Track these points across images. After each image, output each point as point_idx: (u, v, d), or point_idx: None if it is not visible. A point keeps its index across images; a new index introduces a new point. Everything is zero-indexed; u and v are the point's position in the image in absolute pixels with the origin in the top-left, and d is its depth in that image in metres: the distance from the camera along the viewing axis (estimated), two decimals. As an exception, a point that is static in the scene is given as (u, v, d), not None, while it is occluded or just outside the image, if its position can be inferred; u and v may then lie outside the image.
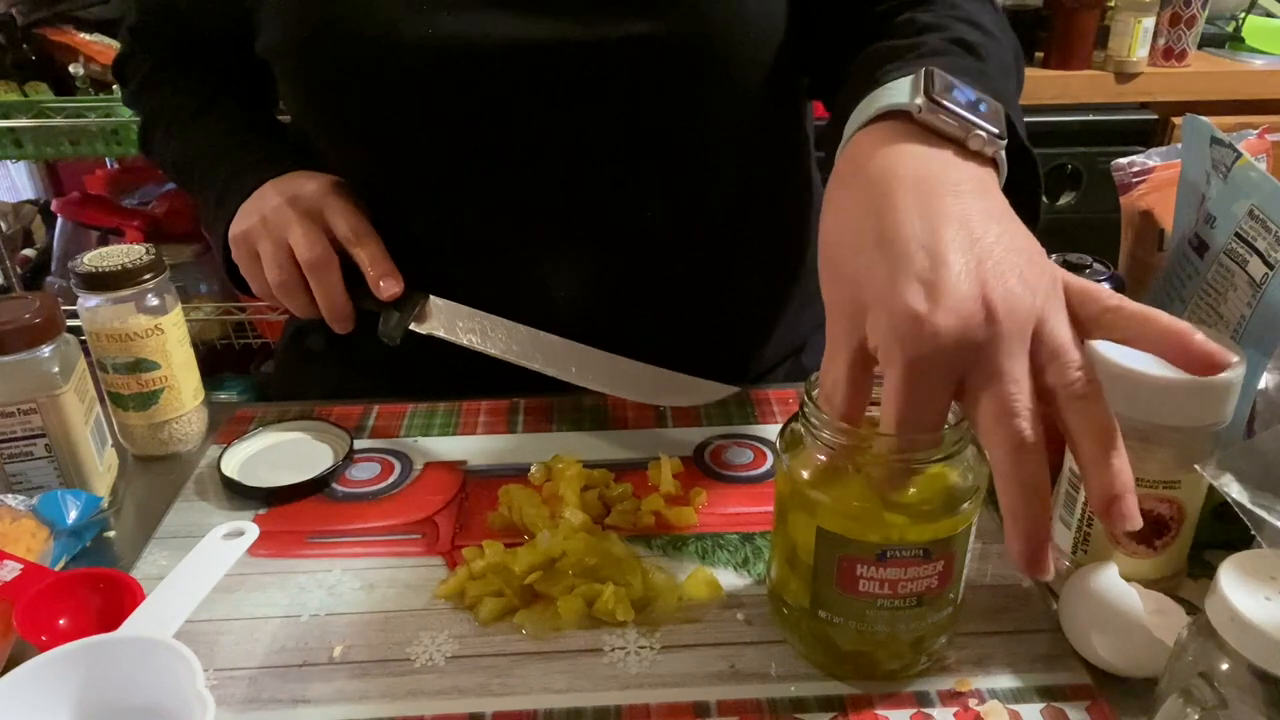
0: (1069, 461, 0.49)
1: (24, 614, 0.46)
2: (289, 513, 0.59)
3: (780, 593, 0.47)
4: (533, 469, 0.61)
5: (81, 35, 1.54)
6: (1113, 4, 1.73)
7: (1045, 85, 1.71)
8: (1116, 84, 1.73)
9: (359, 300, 0.65)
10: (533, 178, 0.65)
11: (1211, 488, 0.43)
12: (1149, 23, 1.70)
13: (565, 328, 0.65)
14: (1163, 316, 0.39)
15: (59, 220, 1.68)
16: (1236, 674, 0.35)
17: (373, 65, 0.61)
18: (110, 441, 0.63)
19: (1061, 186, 1.74)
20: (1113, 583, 0.45)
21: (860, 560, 0.42)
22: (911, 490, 0.42)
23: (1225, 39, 1.93)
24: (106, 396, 0.63)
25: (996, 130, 0.44)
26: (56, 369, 0.56)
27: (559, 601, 0.49)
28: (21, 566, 0.50)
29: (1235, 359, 0.40)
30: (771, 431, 0.65)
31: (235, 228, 0.66)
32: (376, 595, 0.52)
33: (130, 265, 0.60)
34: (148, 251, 0.61)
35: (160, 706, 0.41)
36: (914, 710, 0.44)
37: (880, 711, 0.44)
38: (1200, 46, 1.81)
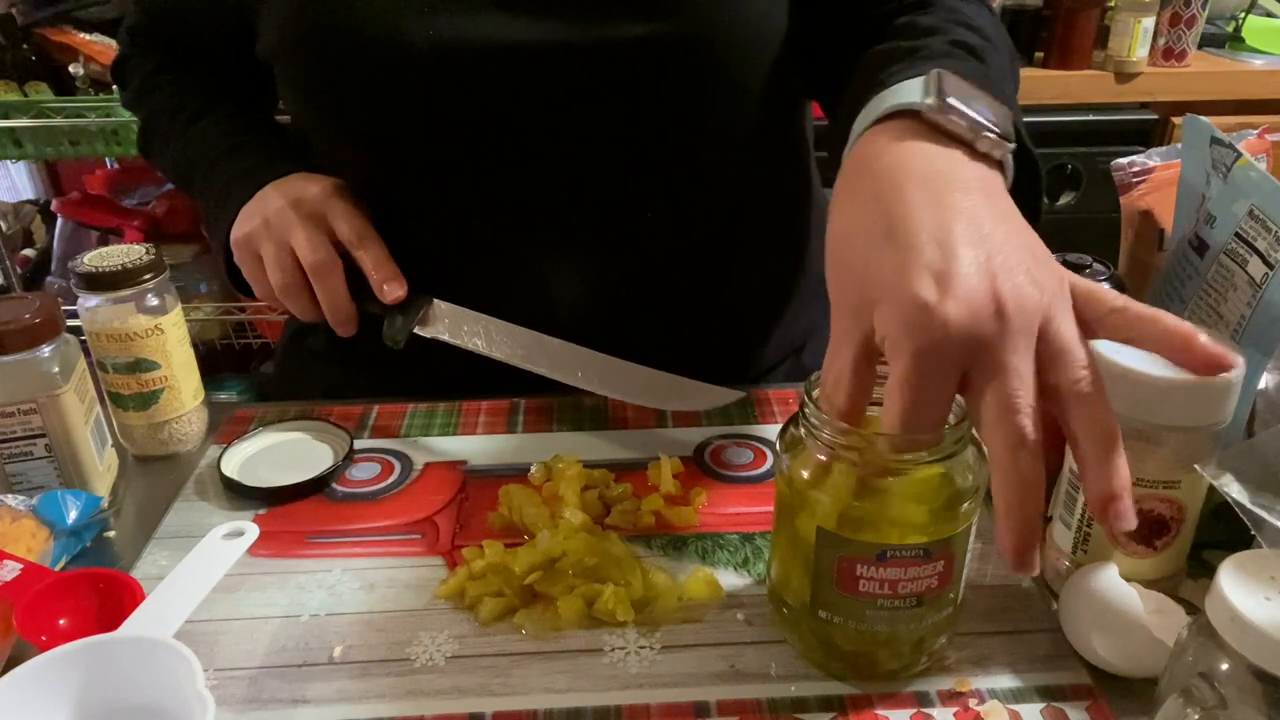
0: (1069, 462, 0.49)
1: (24, 614, 0.47)
2: (289, 513, 0.59)
3: (780, 593, 0.47)
4: (533, 469, 0.61)
5: (81, 35, 1.54)
6: (1113, 4, 1.73)
7: (1045, 85, 1.71)
8: (1116, 84, 1.73)
9: (362, 303, 0.65)
10: (533, 179, 0.65)
11: (1211, 488, 0.43)
12: (1149, 23, 1.70)
13: (565, 328, 0.65)
14: (1167, 317, 0.39)
15: (59, 220, 1.68)
16: (1236, 674, 0.35)
17: (373, 67, 0.61)
18: (110, 441, 0.63)
19: (1061, 186, 1.74)
20: (1113, 583, 0.45)
21: (860, 560, 0.42)
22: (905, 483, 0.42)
23: (1225, 39, 1.93)
24: (106, 396, 0.63)
25: (1004, 133, 0.45)
26: (56, 369, 0.56)
27: (559, 601, 0.49)
28: (21, 566, 0.50)
29: (1239, 360, 0.40)
30: (771, 431, 0.65)
31: (237, 230, 0.66)
32: (376, 595, 0.52)
33: (130, 265, 0.60)
34: (148, 251, 0.61)
35: (160, 706, 0.41)
36: (914, 710, 0.44)
37: (880, 711, 0.44)
38: (1200, 46, 1.81)
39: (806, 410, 0.43)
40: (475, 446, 0.65)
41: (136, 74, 0.79)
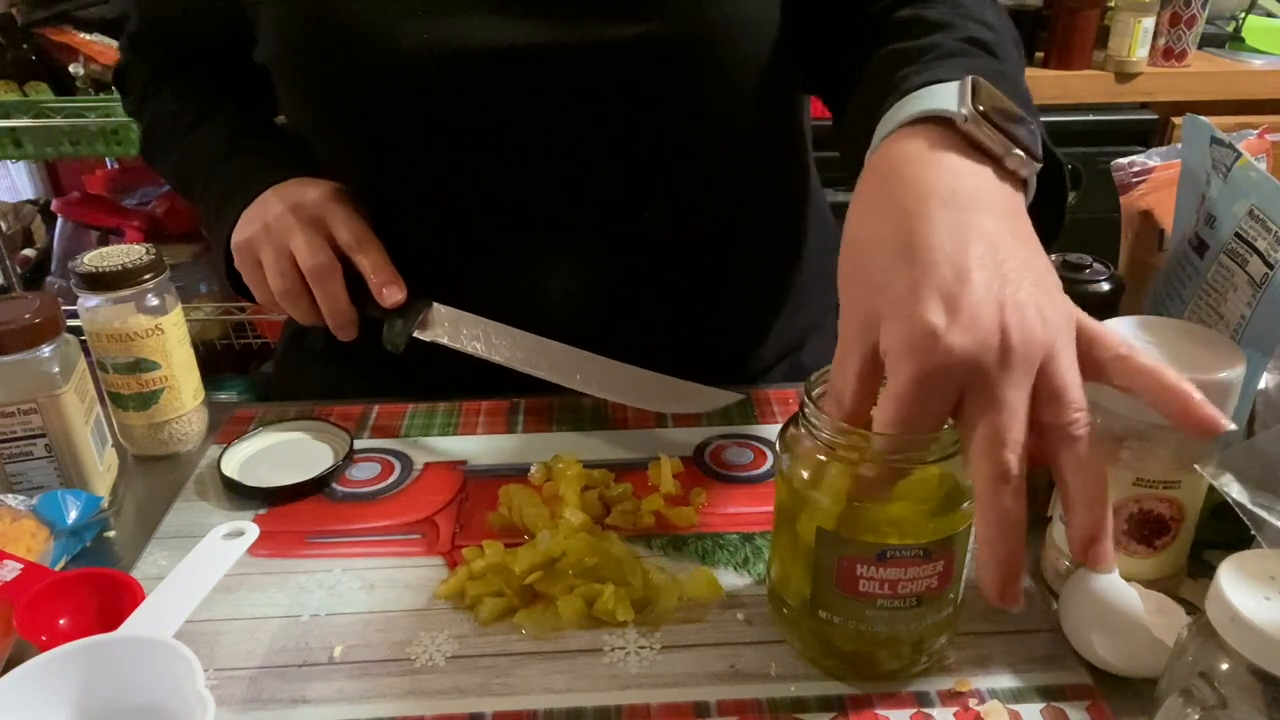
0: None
1: (24, 614, 0.46)
2: (289, 513, 0.59)
3: (780, 593, 0.47)
4: (533, 469, 0.61)
5: (81, 35, 1.54)
6: (1113, 4, 1.73)
7: (1045, 85, 1.71)
8: (1116, 84, 1.73)
9: (362, 307, 0.65)
10: (530, 180, 0.65)
11: (1211, 488, 0.43)
12: (1149, 23, 1.70)
13: (564, 328, 0.65)
14: (1168, 374, 0.39)
15: (59, 220, 1.68)
16: (1236, 674, 0.35)
17: (370, 71, 0.61)
18: (110, 441, 0.63)
19: (1062, 186, 1.74)
20: (1113, 583, 0.45)
21: (860, 560, 0.42)
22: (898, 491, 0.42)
23: (1225, 39, 1.93)
24: (106, 396, 0.63)
25: (1032, 149, 0.44)
26: (56, 369, 0.56)
27: (559, 601, 0.49)
28: (21, 566, 0.50)
29: (1232, 426, 0.40)
30: (771, 431, 0.65)
31: (238, 235, 0.66)
32: (376, 595, 0.52)
33: (130, 265, 0.60)
34: (148, 251, 0.61)
35: (160, 706, 0.41)
36: (914, 710, 0.44)
37: (880, 711, 0.44)
38: (1200, 46, 1.81)
39: (806, 410, 0.43)
40: (475, 446, 0.65)
41: (138, 81, 0.79)
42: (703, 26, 0.61)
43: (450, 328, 0.65)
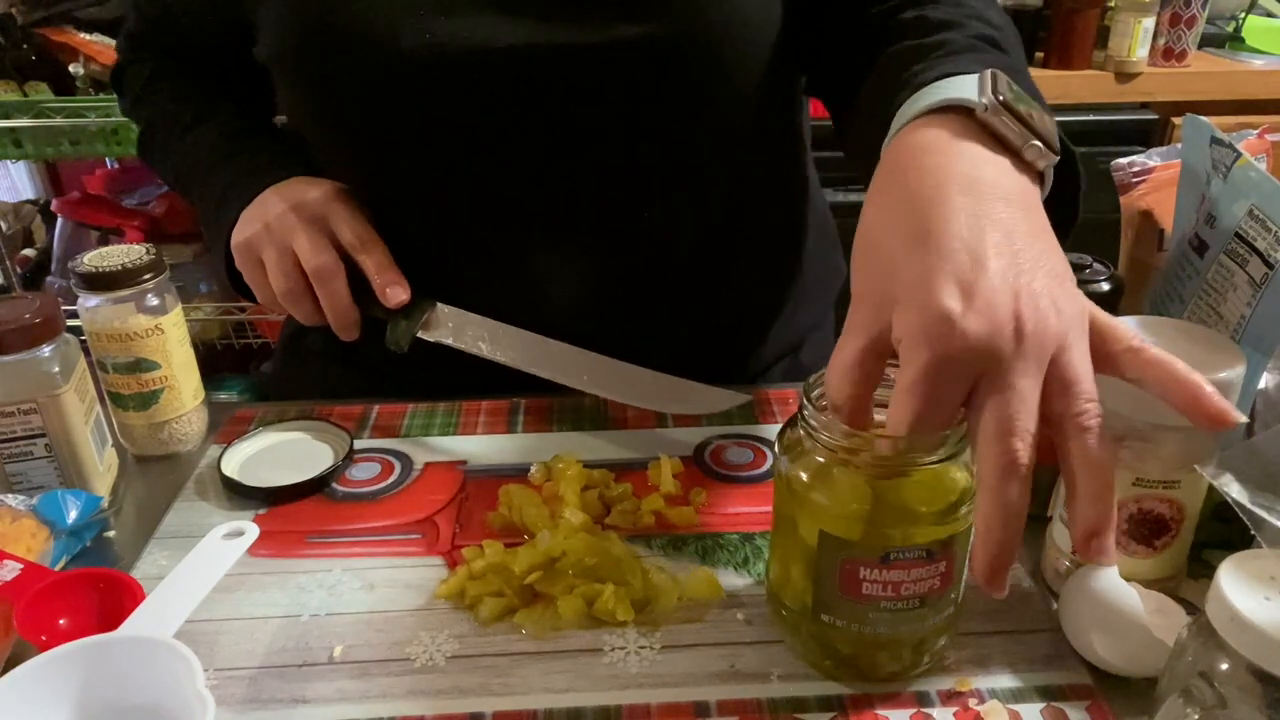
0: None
1: (24, 614, 0.46)
2: (289, 513, 0.59)
3: (779, 595, 0.47)
4: (533, 469, 0.61)
5: (81, 35, 1.54)
6: (1113, 4, 1.73)
7: (1045, 85, 1.68)
8: (1116, 84, 1.73)
9: (365, 307, 0.65)
10: (531, 180, 0.65)
11: (1211, 488, 0.43)
12: (1149, 23, 1.70)
13: (563, 327, 0.65)
14: (1179, 366, 0.39)
15: (59, 220, 1.68)
16: (1236, 674, 0.35)
17: (371, 70, 0.61)
18: (110, 441, 0.63)
19: (1062, 186, 1.74)
20: (1113, 583, 0.45)
21: (863, 563, 0.42)
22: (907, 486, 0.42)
23: (1225, 39, 1.93)
24: (106, 396, 0.63)
25: (1049, 142, 0.44)
26: (56, 369, 0.56)
27: (559, 601, 0.49)
28: (21, 566, 0.50)
29: (1243, 419, 0.40)
30: (771, 431, 0.65)
31: (238, 235, 0.66)
32: (376, 595, 0.52)
33: (130, 265, 0.60)
34: (148, 251, 0.61)
35: (160, 706, 0.41)
36: (914, 710, 0.44)
37: (880, 711, 0.44)
38: (1200, 46, 1.81)
39: (805, 412, 0.43)
40: (475, 446, 0.65)
41: (135, 80, 0.78)
42: (704, 27, 0.61)
43: (455, 328, 0.65)
